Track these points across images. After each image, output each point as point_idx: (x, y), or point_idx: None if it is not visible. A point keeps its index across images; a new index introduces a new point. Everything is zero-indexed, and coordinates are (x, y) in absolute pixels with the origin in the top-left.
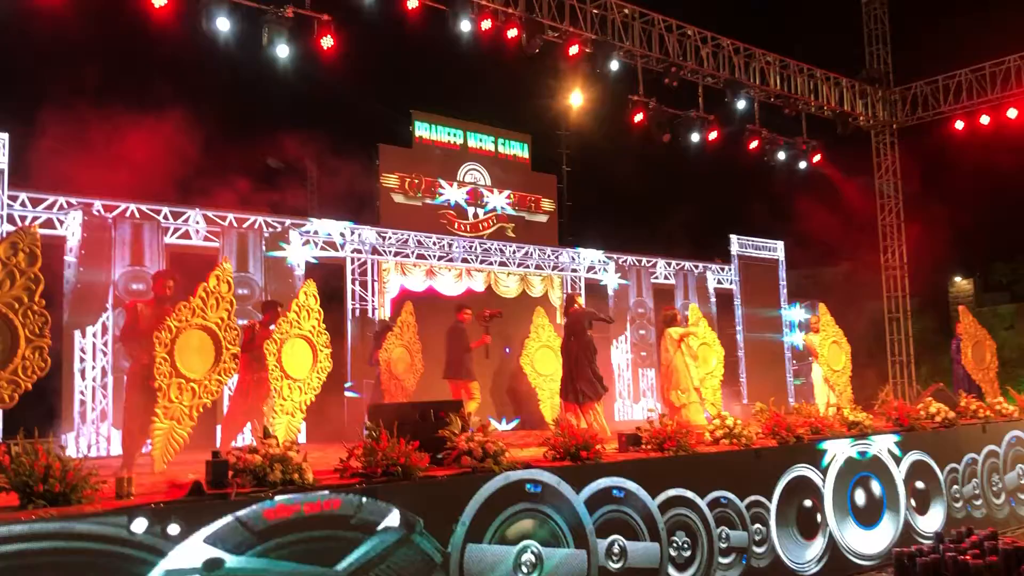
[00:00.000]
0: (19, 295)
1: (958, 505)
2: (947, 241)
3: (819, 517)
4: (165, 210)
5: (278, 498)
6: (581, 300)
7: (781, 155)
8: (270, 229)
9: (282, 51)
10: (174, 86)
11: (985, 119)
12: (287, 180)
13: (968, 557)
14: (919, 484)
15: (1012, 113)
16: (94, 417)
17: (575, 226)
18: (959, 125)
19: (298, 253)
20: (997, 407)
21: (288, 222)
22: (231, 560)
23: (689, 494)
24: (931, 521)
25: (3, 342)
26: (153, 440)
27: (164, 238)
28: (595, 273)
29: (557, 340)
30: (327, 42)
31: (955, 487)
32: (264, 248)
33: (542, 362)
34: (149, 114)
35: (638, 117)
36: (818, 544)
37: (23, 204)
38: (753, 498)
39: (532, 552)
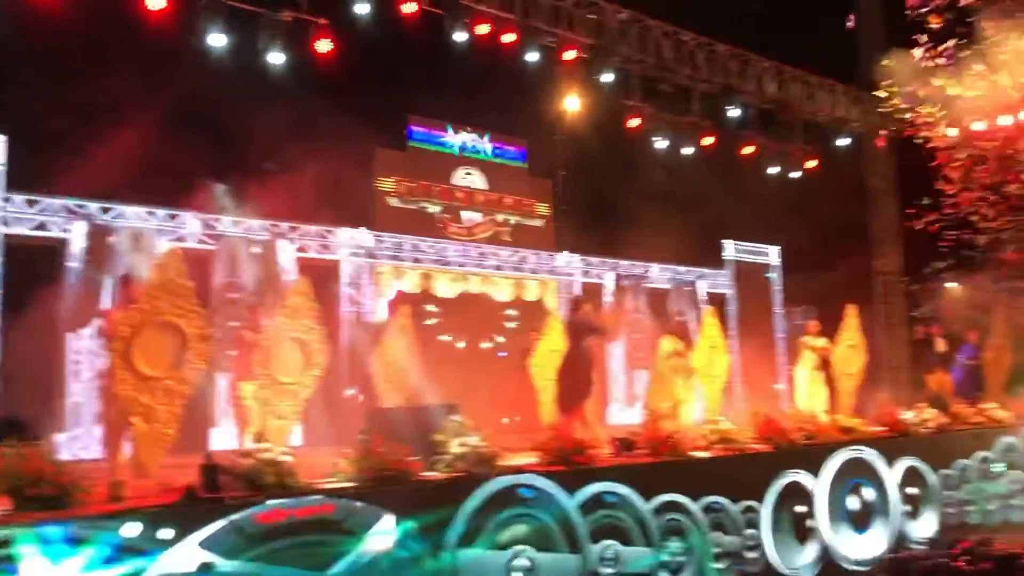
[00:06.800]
0: None
1: (951, 511)
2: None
3: (812, 522)
4: (160, 213)
5: (271, 502)
6: (588, 307)
7: (776, 161)
8: (265, 232)
9: (278, 56)
10: (171, 89)
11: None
12: (283, 184)
13: (961, 563)
14: (912, 490)
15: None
16: (90, 420)
17: (571, 231)
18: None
19: (292, 256)
20: (990, 413)
21: (284, 225)
22: (224, 564)
23: (683, 499)
24: (924, 527)
25: None
26: (136, 444)
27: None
28: (589, 277)
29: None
30: (323, 46)
31: (948, 493)
32: (258, 251)
33: (550, 366)
34: (145, 118)
35: (634, 122)
36: (811, 549)
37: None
38: (747, 503)
39: (526, 557)
